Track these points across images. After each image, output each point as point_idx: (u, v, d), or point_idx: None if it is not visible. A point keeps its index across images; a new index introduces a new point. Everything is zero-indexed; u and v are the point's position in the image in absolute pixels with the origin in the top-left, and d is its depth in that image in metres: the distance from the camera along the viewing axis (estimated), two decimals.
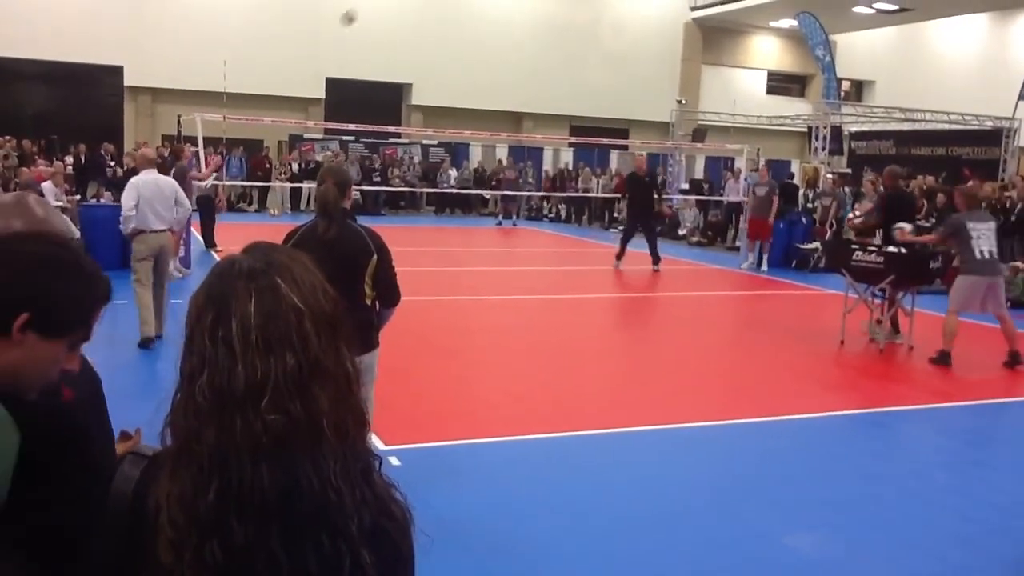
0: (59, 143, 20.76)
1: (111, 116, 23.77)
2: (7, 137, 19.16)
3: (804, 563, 4.09)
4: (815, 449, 5.81)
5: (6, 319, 1.30)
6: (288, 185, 22.42)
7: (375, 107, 26.45)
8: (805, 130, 25.32)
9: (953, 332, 8.10)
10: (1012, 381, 7.96)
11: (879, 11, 26.86)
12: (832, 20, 24.83)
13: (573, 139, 26.59)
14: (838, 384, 7.77)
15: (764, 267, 15.21)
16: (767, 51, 33.10)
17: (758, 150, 25.46)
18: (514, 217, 23.20)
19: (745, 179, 20.17)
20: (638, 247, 14.63)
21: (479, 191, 24.75)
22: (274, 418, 1.10)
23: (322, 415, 1.12)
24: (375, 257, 4.10)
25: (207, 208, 13.79)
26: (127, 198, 7.53)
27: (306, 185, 20.93)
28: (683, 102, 29.42)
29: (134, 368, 6.86)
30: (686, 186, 25.06)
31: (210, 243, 13.78)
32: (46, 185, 12.20)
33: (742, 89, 31.39)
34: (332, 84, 26.80)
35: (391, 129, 24.46)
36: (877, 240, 9.28)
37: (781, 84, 33.99)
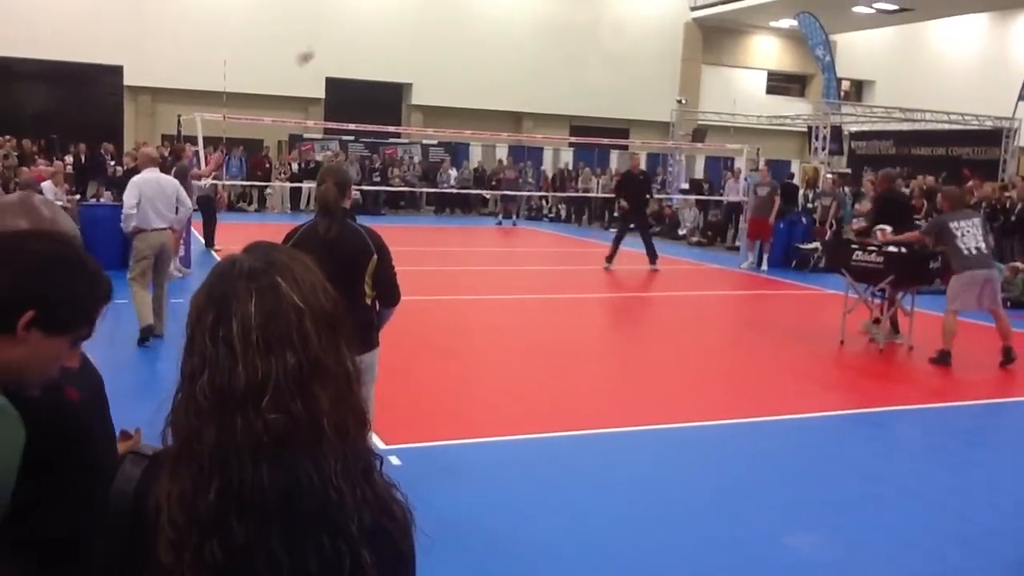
0: (59, 143, 20.76)
1: (111, 116, 23.75)
2: (7, 137, 19.16)
3: (804, 563, 4.09)
4: (814, 449, 5.81)
5: (11, 317, 1.30)
6: (288, 185, 22.43)
7: (375, 107, 26.43)
8: (805, 130, 25.32)
9: (952, 332, 8.11)
10: (1012, 381, 7.96)
11: (879, 11, 26.84)
12: (832, 20, 24.82)
13: (573, 139, 26.57)
14: (838, 384, 7.77)
15: (764, 267, 15.21)
16: (767, 51, 33.09)
17: (758, 150, 25.47)
18: (514, 217, 23.18)
19: (745, 179, 20.18)
20: (634, 247, 14.63)
21: (479, 191, 24.73)
22: (275, 417, 1.10)
23: (323, 414, 1.12)
24: (375, 257, 4.11)
25: (208, 208, 13.79)
26: (129, 196, 7.55)
27: (306, 185, 20.93)
28: (683, 102, 29.43)
29: (135, 367, 6.86)
30: (686, 186, 25.06)
31: (210, 243, 13.79)
32: (46, 185, 12.18)
33: (742, 89, 31.37)
34: (332, 84, 26.78)
35: (391, 129, 24.43)
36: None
37: (781, 84, 33.97)
